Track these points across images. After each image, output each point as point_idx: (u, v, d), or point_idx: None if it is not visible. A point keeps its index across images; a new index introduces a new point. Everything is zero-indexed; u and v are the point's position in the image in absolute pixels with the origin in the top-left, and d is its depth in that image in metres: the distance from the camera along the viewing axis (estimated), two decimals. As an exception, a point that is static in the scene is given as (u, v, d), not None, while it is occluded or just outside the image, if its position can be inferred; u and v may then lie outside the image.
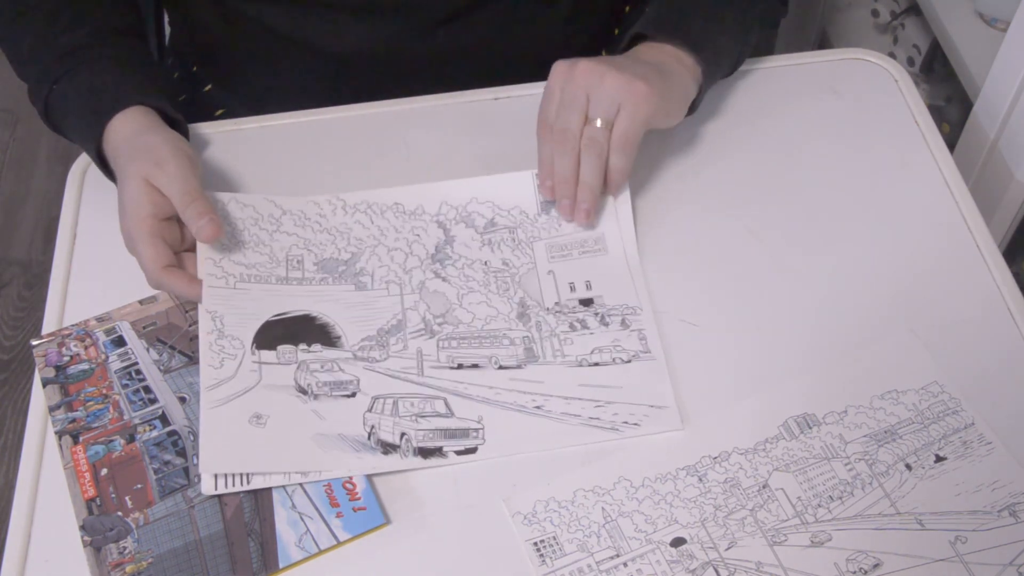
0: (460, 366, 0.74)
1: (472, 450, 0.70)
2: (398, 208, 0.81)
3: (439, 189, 0.82)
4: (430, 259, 0.79)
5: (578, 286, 0.78)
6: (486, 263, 0.79)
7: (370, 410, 0.71)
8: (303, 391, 0.71)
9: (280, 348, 0.73)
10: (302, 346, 0.73)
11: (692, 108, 0.83)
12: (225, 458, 0.68)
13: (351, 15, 0.90)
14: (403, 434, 0.69)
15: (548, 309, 0.77)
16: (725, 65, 0.87)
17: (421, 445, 0.69)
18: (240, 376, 0.72)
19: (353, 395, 0.72)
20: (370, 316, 0.76)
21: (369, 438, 0.70)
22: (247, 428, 0.69)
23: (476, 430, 0.70)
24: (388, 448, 0.69)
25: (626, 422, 0.71)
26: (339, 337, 0.75)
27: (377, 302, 0.77)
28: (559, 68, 0.79)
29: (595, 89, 0.76)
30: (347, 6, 0.90)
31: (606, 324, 0.76)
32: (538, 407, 0.72)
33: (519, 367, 0.74)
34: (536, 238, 0.80)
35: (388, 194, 0.82)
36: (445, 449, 0.69)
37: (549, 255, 0.79)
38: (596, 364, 0.74)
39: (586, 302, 0.77)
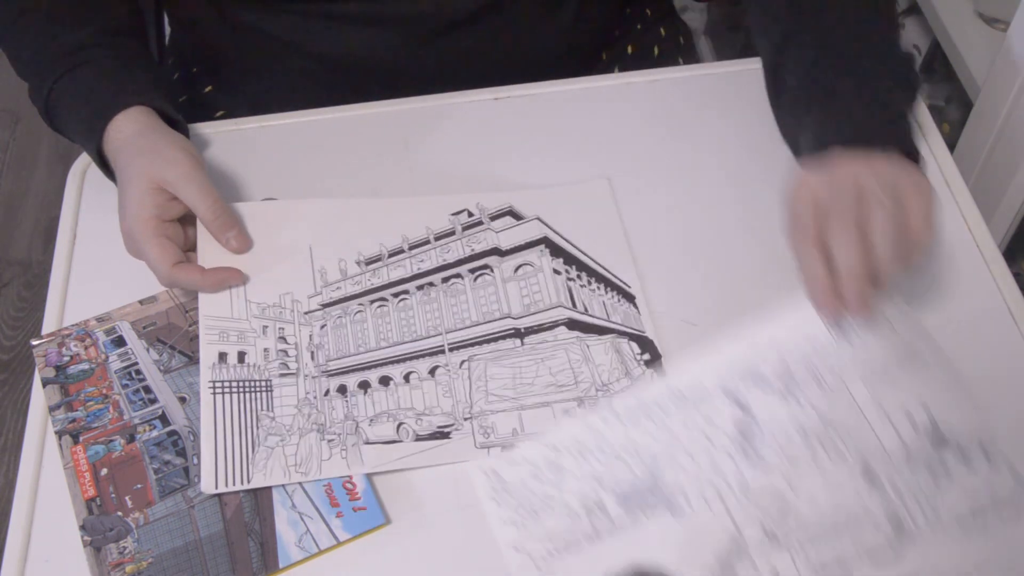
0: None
1: None
2: (675, 395, 0.68)
3: (706, 366, 0.69)
4: (738, 448, 0.65)
5: (917, 419, 0.64)
6: (803, 428, 0.65)
7: None
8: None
9: None
10: None
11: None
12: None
13: (353, 24, 0.90)
14: None
15: (895, 456, 0.63)
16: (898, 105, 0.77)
17: None
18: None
19: None
20: (699, 544, 0.63)
21: None
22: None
23: None
24: None
25: None
26: None
27: (703, 526, 0.63)
28: (803, 178, 0.70)
29: (864, 178, 0.66)
30: (349, 16, 0.89)
31: (968, 462, 0.63)
32: None
33: (891, 550, 0.59)
34: (845, 372, 0.66)
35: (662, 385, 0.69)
36: None
37: (869, 389, 0.65)
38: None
39: (934, 436, 0.64)
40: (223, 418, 0.70)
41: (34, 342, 0.76)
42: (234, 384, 0.72)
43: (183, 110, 0.83)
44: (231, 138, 0.89)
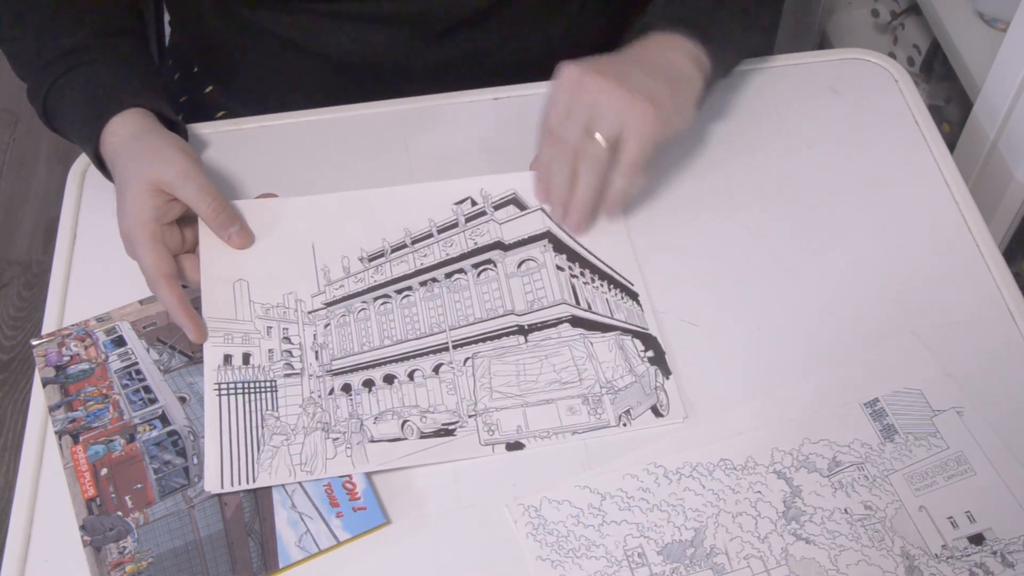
0: None
1: None
2: (725, 465, 0.70)
3: (759, 443, 0.71)
4: (783, 518, 0.67)
5: (959, 521, 0.67)
6: (846, 511, 0.67)
7: None
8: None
9: None
10: None
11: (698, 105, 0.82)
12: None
13: (356, 23, 0.90)
14: None
15: (937, 556, 0.65)
16: (731, 57, 0.87)
17: None
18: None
19: None
20: None
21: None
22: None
23: None
24: None
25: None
26: None
27: None
28: (567, 74, 0.77)
29: (601, 105, 0.74)
30: (353, 15, 0.89)
31: (1011, 566, 0.65)
32: None
33: None
34: (891, 471, 0.69)
35: (712, 451, 0.71)
36: None
37: (913, 489, 0.68)
38: None
39: (976, 539, 0.66)
40: (228, 419, 0.70)
41: (34, 342, 0.76)
42: (239, 385, 0.72)
43: (183, 110, 0.83)
44: (231, 138, 0.89)
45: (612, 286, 0.78)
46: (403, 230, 0.80)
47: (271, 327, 0.75)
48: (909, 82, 0.92)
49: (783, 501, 0.68)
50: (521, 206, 0.81)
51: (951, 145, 1.03)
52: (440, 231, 0.80)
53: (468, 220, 0.81)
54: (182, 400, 0.73)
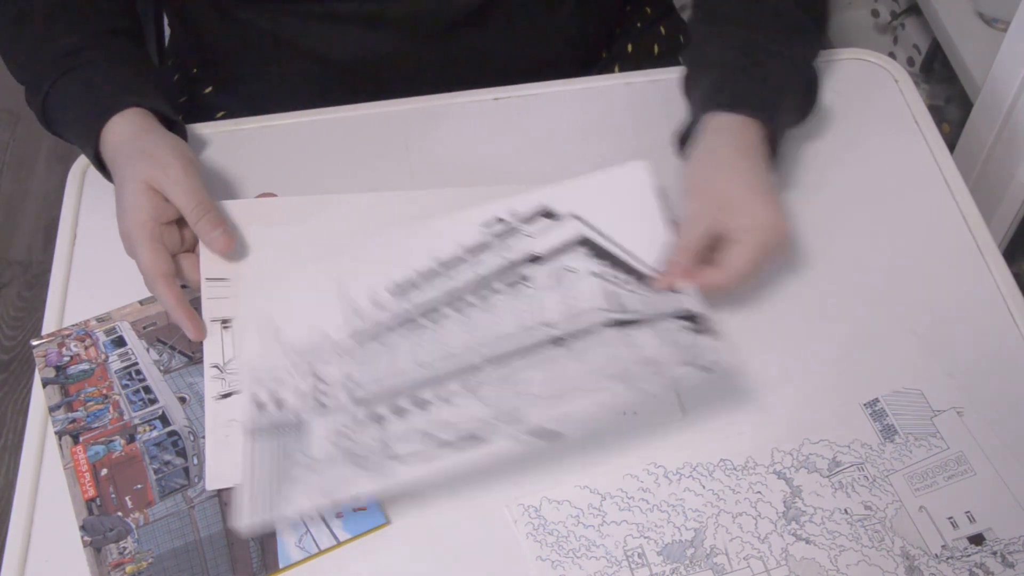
0: None
1: None
2: (725, 465, 0.70)
3: (759, 444, 0.71)
4: (783, 519, 0.67)
5: (959, 521, 0.67)
6: (846, 511, 0.67)
7: None
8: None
9: None
10: None
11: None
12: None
13: (354, 24, 0.90)
14: None
15: (937, 556, 0.65)
16: (792, 106, 0.83)
17: None
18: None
19: None
20: None
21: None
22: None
23: None
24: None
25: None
26: None
27: None
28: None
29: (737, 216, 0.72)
30: (350, 16, 0.89)
31: (1011, 566, 0.65)
32: None
33: None
34: (891, 471, 0.69)
35: (712, 451, 0.70)
36: None
37: (913, 489, 0.68)
38: None
39: (976, 539, 0.66)
40: (257, 462, 0.68)
41: (34, 342, 0.76)
42: (272, 428, 0.69)
43: (183, 111, 0.83)
44: (231, 138, 0.89)
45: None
46: (432, 259, 0.76)
47: (299, 364, 0.72)
48: (909, 82, 0.92)
49: (783, 501, 0.68)
50: (552, 215, 0.76)
51: (951, 145, 1.03)
52: (470, 252, 0.76)
53: (498, 237, 0.76)
54: (182, 400, 0.73)
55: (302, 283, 0.76)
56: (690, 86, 0.85)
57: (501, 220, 0.76)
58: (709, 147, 0.77)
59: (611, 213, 0.76)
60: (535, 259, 0.75)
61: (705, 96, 0.80)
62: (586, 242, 0.75)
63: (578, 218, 0.76)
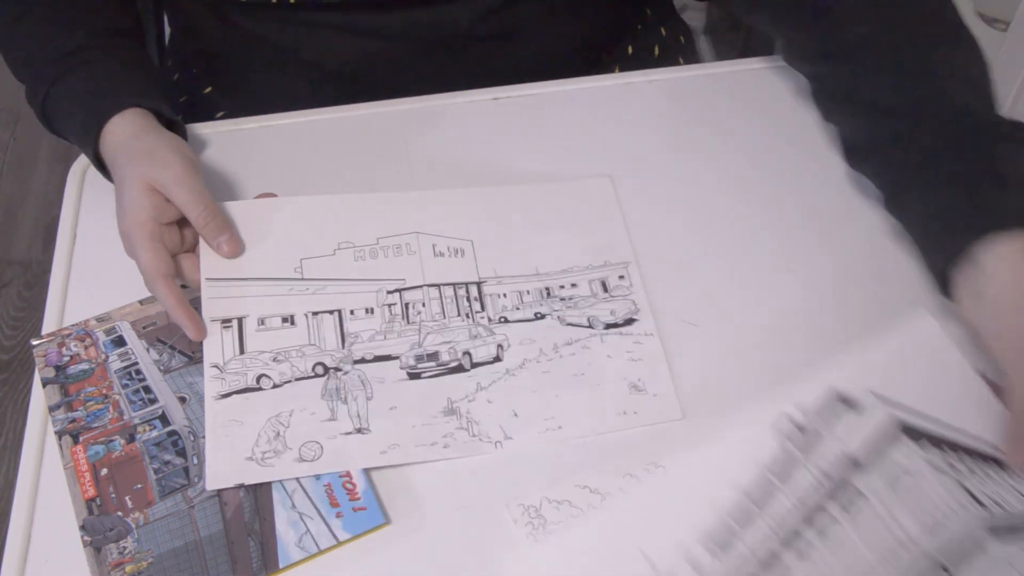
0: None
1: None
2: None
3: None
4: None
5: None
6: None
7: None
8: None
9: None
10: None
11: None
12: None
13: (354, 34, 0.90)
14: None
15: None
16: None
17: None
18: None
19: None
20: None
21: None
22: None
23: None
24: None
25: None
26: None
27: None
28: None
29: None
30: (351, 26, 0.89)
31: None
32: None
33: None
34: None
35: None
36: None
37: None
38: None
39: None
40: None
41: (34, 342, 0.76)
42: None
43: (183, 110, 0.83)
44: (231, 138, 0.89)
45: (980, 461, 0.64)
46: (736, 489, 0.66)
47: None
48: (909, 82, 0.92)
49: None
50: (849, 403, 0.66)
51: (951, 145, 1.03)
52: (780, 479, 0.65)
53: (802, 450, 0.65)
54: (182, 400, 0.73)
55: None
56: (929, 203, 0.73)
57: (793, 421, 0.66)
58: (1010, 285, 0.65)
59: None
60: (856, 464, 0.64)
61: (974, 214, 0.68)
62: (907, 429, 0.65)
63: (879, 397, 0.66)
